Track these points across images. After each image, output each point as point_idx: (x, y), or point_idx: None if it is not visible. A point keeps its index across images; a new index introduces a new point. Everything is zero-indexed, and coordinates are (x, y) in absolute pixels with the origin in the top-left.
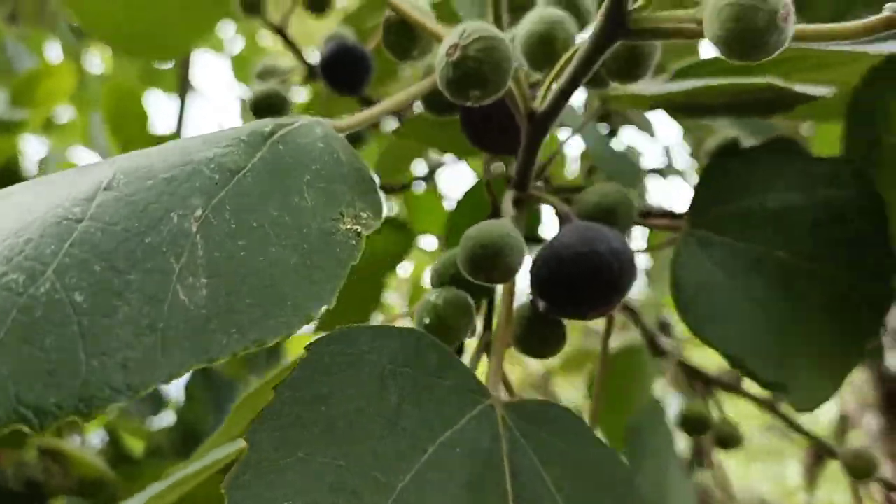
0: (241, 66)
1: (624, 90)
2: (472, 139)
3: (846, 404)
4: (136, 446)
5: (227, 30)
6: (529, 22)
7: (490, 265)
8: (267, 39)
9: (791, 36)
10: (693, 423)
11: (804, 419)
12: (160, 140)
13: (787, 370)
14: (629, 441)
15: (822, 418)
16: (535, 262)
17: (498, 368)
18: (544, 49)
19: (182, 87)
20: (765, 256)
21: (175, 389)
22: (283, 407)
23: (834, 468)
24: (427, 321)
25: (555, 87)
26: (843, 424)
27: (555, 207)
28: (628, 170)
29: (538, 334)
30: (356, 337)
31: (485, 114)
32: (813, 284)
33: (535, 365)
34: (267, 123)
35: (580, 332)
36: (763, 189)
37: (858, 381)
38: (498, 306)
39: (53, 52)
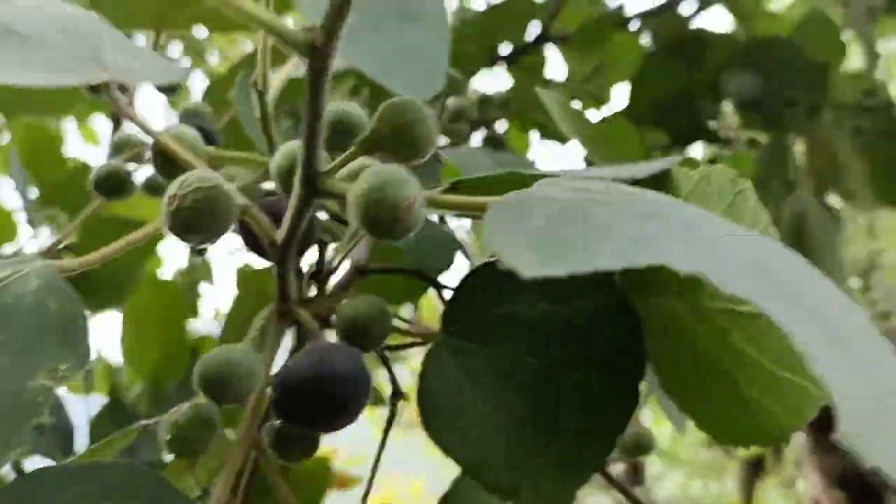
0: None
1: None
2: (247, 246)
3: None
4: None
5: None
6: (278, 155)
7: (218, 392)
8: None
9: (423, 216)
10: None
11: None
12: (76, 169)
13: (521, 474)
14: None
15: None
16: (273, 381)
17: (223, 493)
18: (289, 182)
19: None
20: (514, 363)
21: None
22: None
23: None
24: (168, 437)
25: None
26: None
27: (305, 325)
28: (437, 252)
29: (287, 443)
30: (50, 478)
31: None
32: (560, 390)
33: None
34: None
35: None
36: (517, 296)
37: None
38: None
39: None
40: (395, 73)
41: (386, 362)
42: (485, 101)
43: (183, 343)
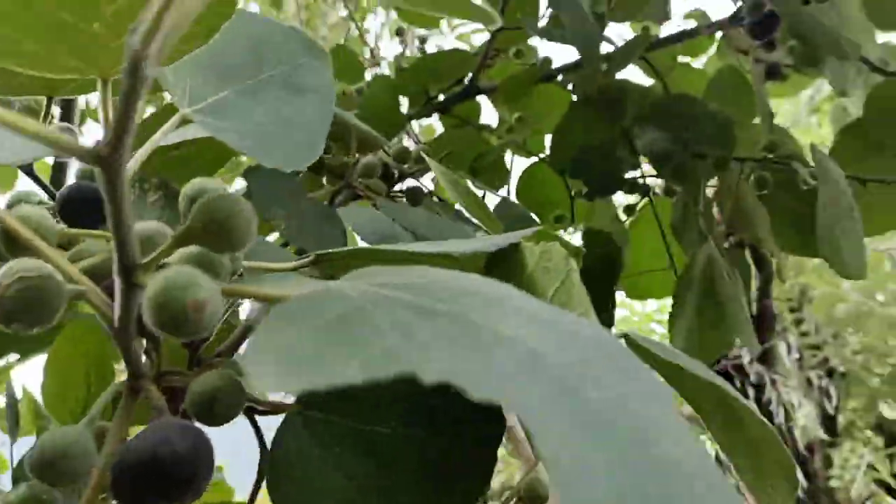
0: None
1: None
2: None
3: None
4: None
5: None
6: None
7: (47, 475)
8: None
9: (219, 313)
10: None
11: None
12: None
13: None
14: None
15: None
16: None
17: None
18: None
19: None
20: (366, 433)
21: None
22: None
23: None
24: None
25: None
26: None
27: (153, 402)
28: None
29: None
30: None
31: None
32: (411, 460)
33: None
34: None
35: None
36: None
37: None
38: None
39: None
40: (264, 147)
41: (255, 426)
42: (402, 154)
43: (108, 385)
